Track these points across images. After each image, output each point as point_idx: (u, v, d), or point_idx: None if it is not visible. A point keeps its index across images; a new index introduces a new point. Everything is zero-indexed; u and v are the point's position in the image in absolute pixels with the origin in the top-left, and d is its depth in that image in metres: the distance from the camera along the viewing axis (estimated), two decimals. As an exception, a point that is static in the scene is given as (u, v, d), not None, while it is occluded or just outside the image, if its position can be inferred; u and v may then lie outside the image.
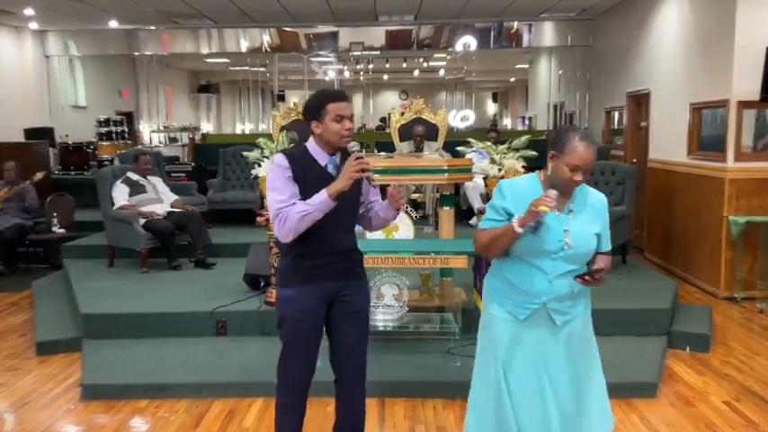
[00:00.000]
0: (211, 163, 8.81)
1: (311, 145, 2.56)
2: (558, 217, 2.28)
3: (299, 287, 2.56)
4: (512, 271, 2.36)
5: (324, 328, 2.67)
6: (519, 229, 2.22)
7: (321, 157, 2.54)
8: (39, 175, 7.20)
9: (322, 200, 2.40)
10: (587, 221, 2.32)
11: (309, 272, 2.54)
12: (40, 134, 9.56)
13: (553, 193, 2.19)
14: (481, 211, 5.26)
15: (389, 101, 17.44)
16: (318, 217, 2.42)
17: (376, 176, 4.56)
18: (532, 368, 2.33)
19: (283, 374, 2.66)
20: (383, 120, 15.03)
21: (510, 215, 2.30)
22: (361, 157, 2.41)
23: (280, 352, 2.65)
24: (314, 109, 2.49)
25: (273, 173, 2.51)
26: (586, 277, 2.25)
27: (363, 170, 2.40)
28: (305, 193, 2.46)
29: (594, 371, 2.43)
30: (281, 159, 2.51)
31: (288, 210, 2.43)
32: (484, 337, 2.47)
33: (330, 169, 2.53)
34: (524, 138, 4.52)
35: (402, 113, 7.38)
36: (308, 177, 2.49)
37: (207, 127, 15.69)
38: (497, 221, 2.33)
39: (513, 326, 2.35)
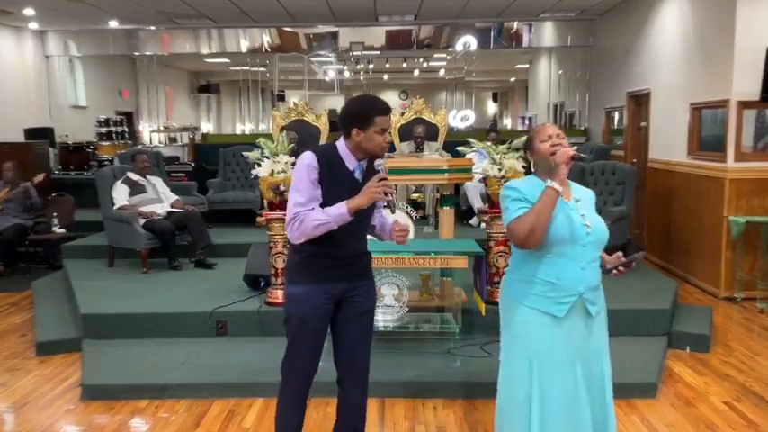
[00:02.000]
0: (211, 163, 8.81)
1: (342, 147, 2.53)
2: (568, 205, 2.34)
3: (310, 285, 2.55)
4: (542, 269, 2.32)
5: (329, 328, 2.67)
6: (558, 187, 2.24)
7: (350, 162, 2.52)
8: (39, 177, 7.20)
9: (340, 213, 2.41)
10: (592, 208, 2.43)
11: (322, 272, 2.54)
12: (40, 134, 9.56)
13: (565, 142, 2.33)
14: (482, 211, 5.26)
15: (389, 101, 17.29)
16: (334, 228, 2.43)
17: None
18: (570, 368, 2.31)
19: (287, 372, 2.66)
20: None
21: (530, 202, 2.30)
22: (386, 179, 2.42)
23: (285, 349, 2.64)
24: (361, 117, 2.46)
25: (300, 171, 2.48)
26: (631, 265, 2.37)
27: (385, 193, 2.40)
28: (329, 195, 2.46)
29: (608, 365, 2.48)
30: (311, 158, 2.48)
31: (305, 215, 2.43)
32: (516, 343, 2.38)
33: (357, 174, 2.53)
34: (524, 138, 4.51)
35: (402, 113, 7.38)
36: (334, 179, 2.48)
37: (207, 127, 15.70)
38: (525, 207, 2.30)
39: (548, 326, 2.31)
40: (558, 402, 2.30)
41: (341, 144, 2.53)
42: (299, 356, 2.62)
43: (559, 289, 2.29)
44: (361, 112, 2.47)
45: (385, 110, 2.49)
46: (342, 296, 2.60)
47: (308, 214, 2.42)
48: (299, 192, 2.46)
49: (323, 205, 2.46)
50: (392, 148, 7.16)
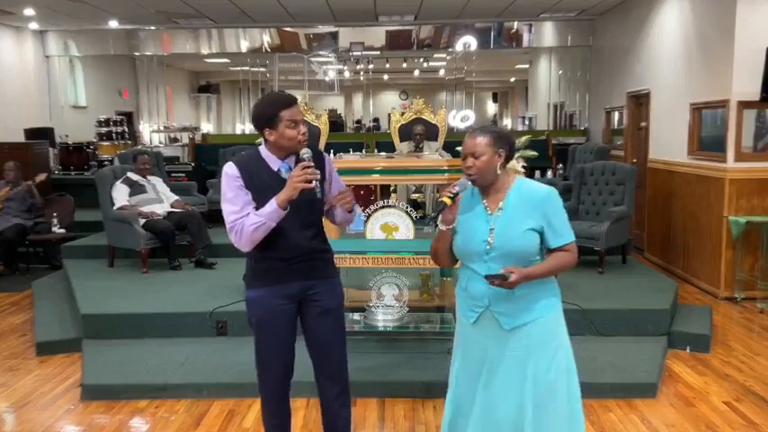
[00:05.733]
0: (211, 163, 8.82)
1: (263, 149, 2.54)
2: (488, 217, 2.30)
3: (263, 288, 2.56)
4: (462, 276, 2.40)
5: (301, 328, 2.67)
6: (442, 226, 2.31)
7: (273, 162, 2.51)
8: (41, 176, 7.20)
9: (272, 210, 2.39)
10: (519, 218, 2.27)
11: (272, 273, 2.54)
12: (41, 134, 9.57)
13: (461, 182, 2.29)
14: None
15: (389, 101, 17.44)
16: (272, 226, 2.42)
17: (375, 177, 4.58)
18: (474, 369, 2.36)
19: (259, 375, 2.68)
20: (376, 120, 15.04)
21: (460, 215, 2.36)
22: (310, 166, 2.38)
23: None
24: (266, 117, 2.45)
25: (224, 183, 2.49)
26: (493, 281, 2.19)
27: (308, 180, 2.35)
28: (258, 199, 2.45)
29: (559, 389, 2.28)
30: (230, 168, 2.49)
31: (242, 221, 2.43)
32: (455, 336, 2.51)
33: (283, 174, 2.50)
34: (524, 138, 4.53)
35: (402, 113, 7.37)
36: (259, 183, 2.47)
37: (207, 127, 15.69)
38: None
39: (466, 328, 2.39)
40: (459, 397, 2.43)
41: (263, 147, 2.54)
42: (264, 359, 2.64)
43: (470, 297, 2.35)
44: (265, 112, 2.46)
45: (287, 102, 2.45)
46: (301, 296, 2.59)
47: (245, 220, 2.42)
48: (230, 201, 2.46)
49: (256, 209, 2.45)
50: (392, 148, 7.16)
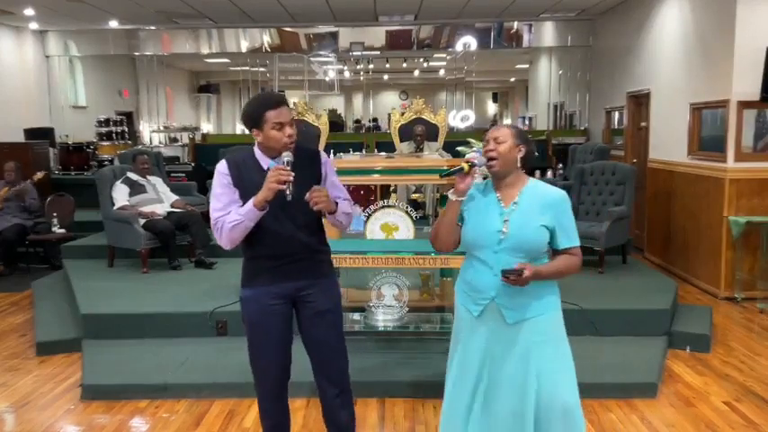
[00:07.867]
0: (211, 163, 8.76)
1: (256, 148, 2.54)
2: (501, 209, 2.34)
3: (257, 287, 2.55)
4: (466, 269, 2.43)
5: (298, 329, 2.66)
6: (453, 196, 2.34)
7: (264, 161, 2.51)
8: (39, 175, 7.21)
9: (248, 209, 2.40)
10: (533, 213, 2.31)
11: (265, 272, 2.53)
12: (41, 134, 9.57)
13: (479, 157, 2.34)
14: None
15: (389, 101, 17.43)
16: (250, 226, 2.42)
17: (375, 177, 4.58)
18: (476, 363, 2.37)
19: (253, 374, 2.67)
20: (375, 120, 15.04)
21: (468, 204, 2.41)
22: (286, 168, 2.35)
23: None
24: (252, 117, 2.45)
25: (214, 179, 2.54)
26: (509, 276, 2.20)
27: (283, 182, 2.33)
28: (246, 197, 2.44)
29: (562, 383, 2.30)
30: (221, 166, 2.52)
31: (223, 219, 2.45)
32: (454, 332, 2.54)
33: None
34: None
35: (402, 113, 7.37)
36: (249, 180, 2.47)
37: (207, 127, 15.68)
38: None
39: (468, 322, 2.40)
40: (458, 393, 2.42)
41: (256, 146, 2.55)
42: (256, 359, 2.63)
43: (474, 290, 2.36)
44: (251, 113, 2.46)
45: (273, 103, 2.42)
46: (294, 296, 2.57)
47: (226, 218, 2.44)
48: (216, 198, 2.50)
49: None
50: (392, 148, 7.17)
